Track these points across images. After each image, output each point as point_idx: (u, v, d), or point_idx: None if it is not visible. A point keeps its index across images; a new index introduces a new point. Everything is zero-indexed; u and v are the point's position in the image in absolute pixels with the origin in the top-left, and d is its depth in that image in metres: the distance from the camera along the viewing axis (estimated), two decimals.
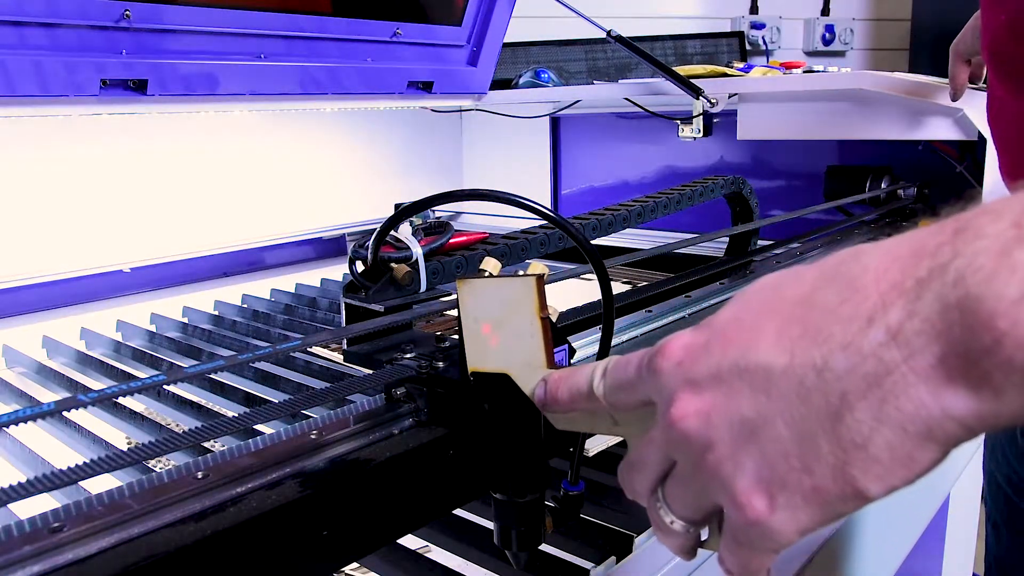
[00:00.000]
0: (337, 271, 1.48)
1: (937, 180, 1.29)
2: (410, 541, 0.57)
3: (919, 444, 0.26)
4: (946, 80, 1.07)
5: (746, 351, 0.29)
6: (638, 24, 2.37)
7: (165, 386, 0.62)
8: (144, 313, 1.21)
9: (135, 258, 1.26)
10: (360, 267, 0.64)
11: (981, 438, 0.86)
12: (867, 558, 0.99)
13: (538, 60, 2.16)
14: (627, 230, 0.84)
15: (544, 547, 0.54)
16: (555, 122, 1.74)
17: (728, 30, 2.66)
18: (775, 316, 0.29)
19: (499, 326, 0.40)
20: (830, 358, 0.27)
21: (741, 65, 1.44)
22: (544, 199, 1.76)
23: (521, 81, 1.66)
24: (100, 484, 0.42)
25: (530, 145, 1.76)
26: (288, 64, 1.16)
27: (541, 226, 0.76)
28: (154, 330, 1.16)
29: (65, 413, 0.45)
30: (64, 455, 0.74)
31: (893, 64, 2.76)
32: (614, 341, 0.49)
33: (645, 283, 0.88)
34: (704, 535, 0.35)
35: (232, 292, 1.33)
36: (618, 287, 1.10)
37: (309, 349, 0.91)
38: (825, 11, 2.80)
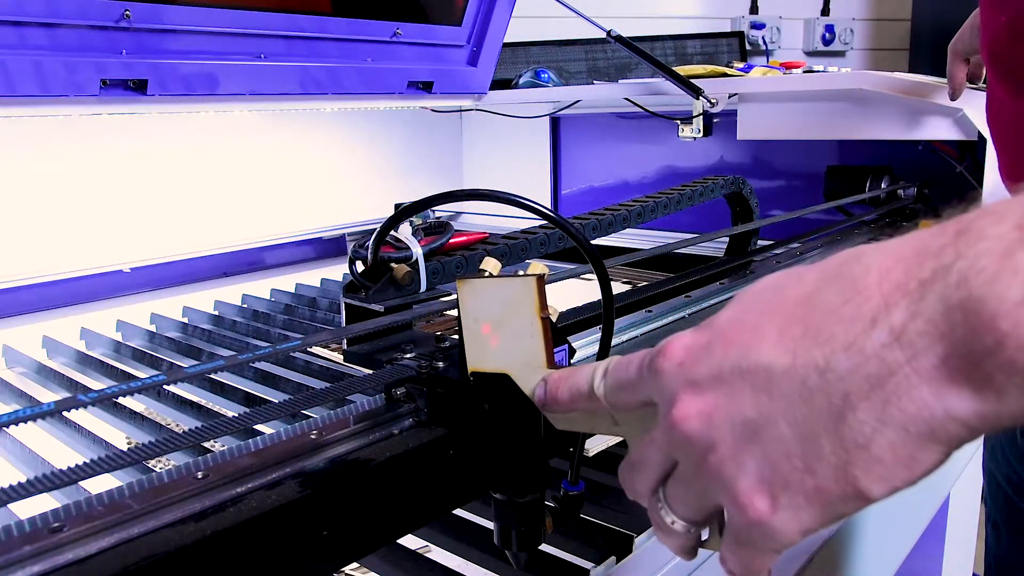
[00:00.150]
0: (337, 271, 1.48)
1: (937, 180, 1.29)
2: (410, 541, 0.57)
3: (921, 445, 0.26)
4: (946, 80, 1.07)
5: (748, 351, 0.29)
6: (638, 24, 2.37)
7: (165, 386, 0.62)
8: (144, 313, 1.21)
9: (135, 258, 1.26)
10: (360, 267, 0.64)
11: (981, 438, 0.86)
12: (867, 558, 0.99)
13: (538, 60, 2.16)
14: (627, 230, 0.84)
15: (544, 547, 0.54)
16: (555, 122, 1.74)
17: (728, 30, 2.66)
18: (777, 317, 0.29)
19: (499, 326, 0.40)
20: (832, 358, 0.27)
21: (741, 65, 1.44)
22: (544, 199, 1.76)
23: (521, 81, 1.66)
24: (100, 484, 0.42)
25: (530, 145, 1.76)
26: (288, 64, 1.16)
27: (541, 226, 0.76)
28: (154, 330, 1.16)
29: (65, 413, 0.45)
30: (64, 455, 0.74)
31: (893, 64, 2.76)
32: (614, 341, 0.49)
33: (645, 283, 0.88)
34: (704, 535, 0.35)
35: (232, 292, 1.33)
36: (618, 287, 1.10)
37: (309, 349, 0.91)
38: (825, 11, 2.80)
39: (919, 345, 0.25)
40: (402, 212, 0.60)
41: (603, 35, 1.32)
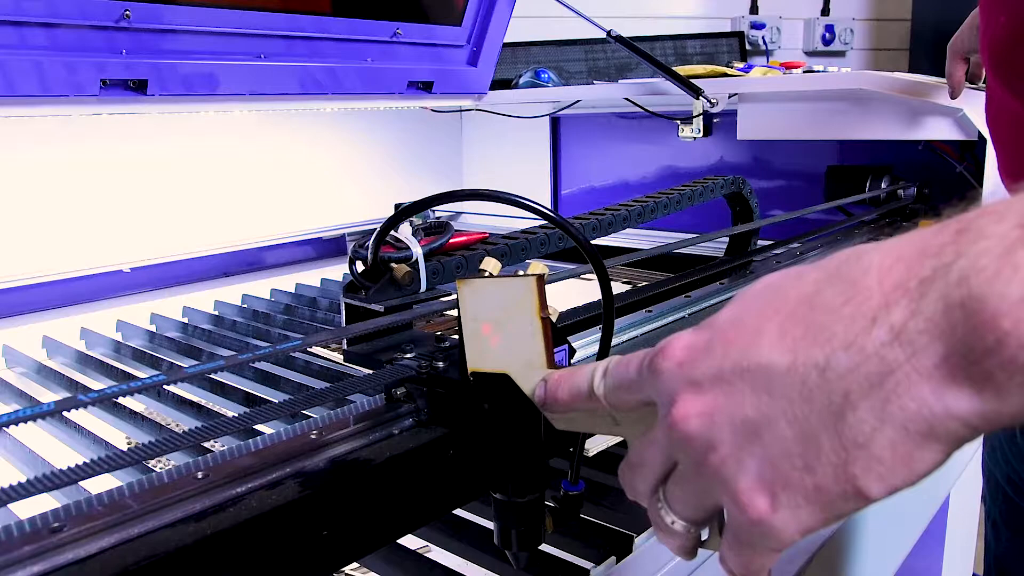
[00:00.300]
0: (337, 271, 1.48)
1: (937, 180, 1.29)
2: (410, 541, 0.57)
3: (921, 443, 0.26)
4: (946, 80, 1.07)
5: (748, 351, 0.29)
6: (638, 24, 2.37)
7: (165, 386, 0.62)
8: (144, 313, 1.21)
9: (135, 258, 1.26)
10: (360, 267, 0.64)
11: (980, 438, 0.86)
12: (867, 558, 0.99)
13: (538, 60, 2.16)
14: (627, 230, 0.84)
15: (544, 547, 0.54)
16: (555, 122, 1.74)
17: (728, 30, 2.66)
18: (777, 316, 0.29)
19: (499, 326, 0.40)
20: (832, 357, 0.27)
21: (741, 65, 1.44)
22: (544, 199, 1.76)
23: (521, 81, 1.66)
24: (100, 484, 0.42)
25: (530, 145, 1.76)
26: (288, 64, 1.16)
27: (541, 226, 0.76)
28: (154, 330, 1.16)
29: (65, 413, 0.45)
30: (64, 455, 0.74)
31: (893, 64, 2.76)
32: (614, 341, 0.49)
33: (645, 283, 0.88)
34: (704, 535, 0.35)
35: (232, 292, 1.33)
36: (618, 287, 1.10)
37: (309, 349, 0.91)
38: (825, 11, 2.80)
39: (919, 343, 0.25)
40: (402, 212, 0.60)
41: (603, 35, 1.32)
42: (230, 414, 0.68)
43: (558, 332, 0.42)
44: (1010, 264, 0.24)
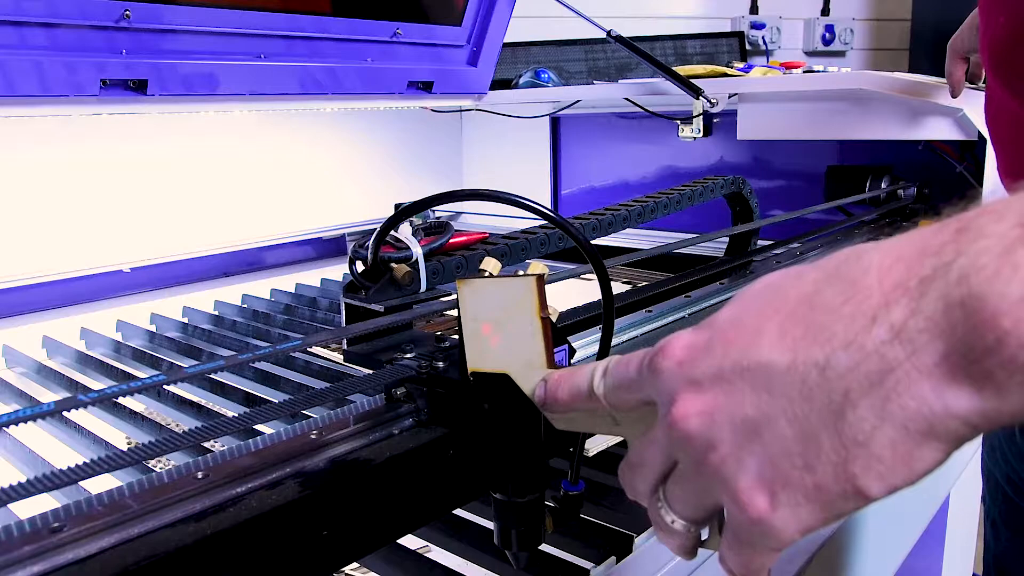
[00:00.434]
0: (337, 271, 1.48)
1: (937, 180, 1.29)
2: (410, 541, 0.57)
3: (921, 442, 0.26)
4: (945, 80, 1.07)
5: (748, 350, 0.29)
6: (638, 24, 2.37)
7: (165, 386, 0.62)
8: (144, 313, 1.21)
9: (135, 258, 1.26)
10: (360, 267, 0.64)
11: (980, 437, 0.87)
12: (867, 558, 0.99)
13: (538, 60, 2.16)
14: (627, 230, 0.84)
15: (544, 547, 0.54)
16: (555, 122, 1.74)
17: (728, 30, 2.66)
18: (777, 315, 0.29)
19: (499, 326, 0.40)
20: (832, 356, 0.27)
21: (741, 65, 1.44)
22: (544, 199, 1.76)
23: (521, 81, 1.66)
24: (100, 484, 0.42)
25: (530, 145, 1.76)
26: (288, 64, 1.16)
27: (541, 226, 0.76)
28: (154, 330, 1.16)
29: (65, 413, 0.45)
30: (64, 455, 0.74)
31: (893, 64, 2.76)
32: (614, 341, 0.49)
33: (645, 283, 0.88)
34: (704, 535, 0.35)
35: (232, 292, 1.33)
36: (618, 287, 1.10)
37: (309, 349, 0.91)
38: (825, 11, 2.80)
39: (919, 342, 0.26)
40: (402, 212, 0.60)
41: (603, 35, 1.32)
42: (230, 414, 0.68)
43: (558, 332, 0.42)
44: (1010, 263, 0.24)
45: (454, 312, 0.45)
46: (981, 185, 1.20)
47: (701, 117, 1.29)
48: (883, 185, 1.27)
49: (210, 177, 1.36)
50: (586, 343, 0.65)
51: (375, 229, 0.62)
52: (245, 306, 1.28)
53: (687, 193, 0.90)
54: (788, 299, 0.29)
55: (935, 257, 0.26)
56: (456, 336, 0.48)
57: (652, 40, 2.35)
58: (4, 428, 0.41)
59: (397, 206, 0.61)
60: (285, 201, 1.48)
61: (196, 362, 0.98)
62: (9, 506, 0.38)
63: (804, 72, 1.36)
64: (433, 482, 0.48)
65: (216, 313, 1.23)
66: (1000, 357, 0.24)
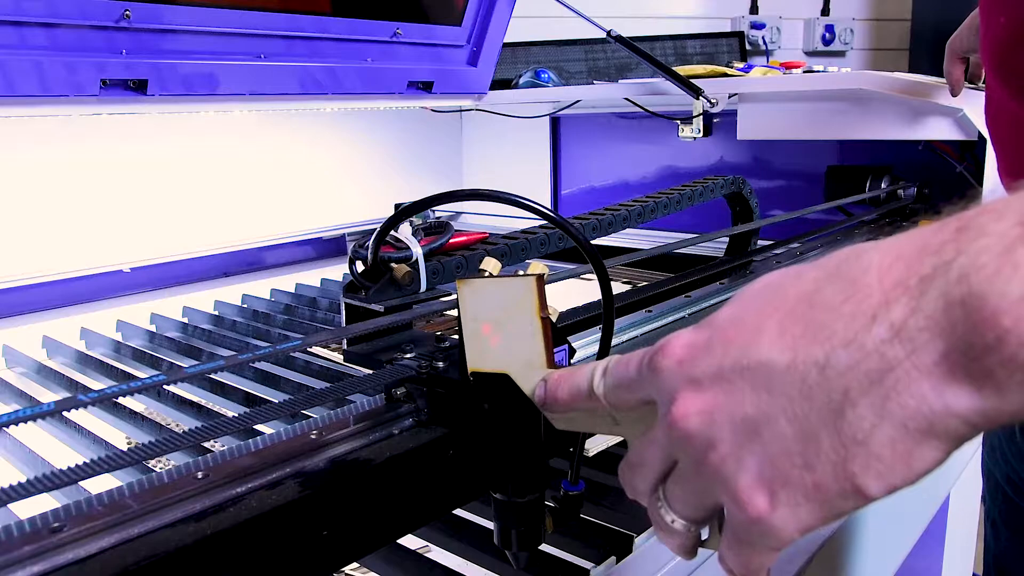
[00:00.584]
0: (337, 271, 1.48)
1: (937, 180, 1.29)
2: (410, 541, 0.57)
3: (921, 441, 0.26)
4: (945, 79, 1.07)
5: (748, 349, 0.29)
6: (638, 24, 2.37)
7: (165, 386, 0.62)
8: (144, 313, 1.21)
9: (135, 258, 1.26)
10: (360, 267, 0.64)
11: (980, 437, 0.87)
12: (867, 558, 0.99)
13: (538, 60, 2.16)
14: (627, 230, 0.84)
15: (544, 547, 0.54)
16: (555, 122, 1.74)
17: (728, 30, 2.66)
18: (776, 314, 0.29)
19: (499, 326, 0.40)
20: (832, 355, 0.27)
21: (741, 65, 1.44)
22: (544, 199, 1.76)
23: (521, 81, 1.66)
24: (100, 484, 0.42)
25: (530, 145, 1.76)
26: (288, 64, 1.16)
27: (541, 226, 0.76)
28: (154, 330, 1.16)
29: (65, 413, 0.45)
30: (64, 455, 0.74)
31: (893, 64, 2.76)
32: (614, 341, 0.49)
33: (645, 283, 0.88)
34: (704, 534, 0.35)
35: (232, 292, 1.33)
36: (618, 287, 1.10)
37: (309, 349, 0.91)
38: (825, 11, 2.80)
39: (919, 341, 0.26)
40: (402, 212, 0.60)
41: (603, 35, 1.32)
42: (230, 414, 0.68)
43: (558, 332, 0.42)
44: (1010, 262, 0.24)
45: (454, 312, 0.45)
46: (981, 185, 1.20)
47: (701, 117, 1.29)
48: (883, 185, 1.27)
49: (210, 177, 1.36)
50: (586, 343, 0.65)
51: (375, 229, 0.62)
52: (245, 306, 1.28)
53: (687, 193, 0.90)
54: (788, 298, 0.29)
55: (935, 256, 0.26)
56: (456, 336, 0.48)
57: (652, 40, 2.35)
58: (4, 428, 0.41)
59: (397, 206, 0.61)
60: (285, 201, 1.48)
61: (196, 362, 0.98)
62: (9, 506, 0.38)
63: (804, 72, 1.36)
64: (433, 482, 0.48)
65: (216, 313, 1.23)
66: (1000, 356, 0.24)
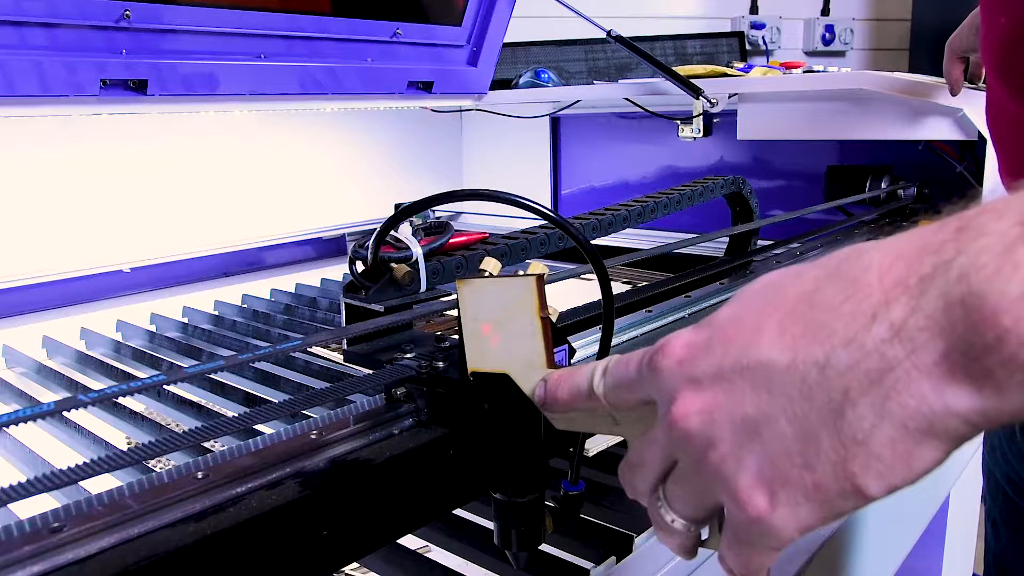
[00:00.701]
0: (337, 271, 1.48)
1: (937, 180, 1.29)
2: (410, 541, 0.57)
3: (920, 441, 0.26)
4: (944, 79, 1.07)
5: (748, 349, 0.29)
6: (638, 24, 2.37)
7: (165, 386, 0.62)
8: (144, 313, 1.21)
9: (135, 258, 1.26)
10: (360, 267, 0.64)
11: (980, 437, 0.87)
12: (867, 558, 0.99)
13: (538, 60, 2.16)
14: (627, 230, 0.84)
15: (544, 547, 0.54)
16: (555, 122, 1.74)
17: (728, 30, 2.66)
18: (776, 314, 0.29)
19: (499, 326, 0.40)
20: (832, 355, 0.27)
21: (741, 65, 1.44)
22: (544, 199, 1.76)
23: (521, 81, 1.66)
24: (100, 484, 0.42)
25: (530, 145, 1.76)
26: (288, 64, 1.16)
27: (541, 226, 0.76)
28: (154, 330, 1.16)
29: (65, 413, 0.45)
30: (64, 455, 0.74)
31: (893, 64, 2.76)
32: (614, 341, 0.49)
33: (645, 283, 0.88)
34: (704, 534, 0.35)
35: (232, 292, 1.33)
36: (618, 287, 1.10)
37: (309, 349, 0.91)
38: (825, 11, 2.80)
39: (919, 340, 0.26)
40: (402, 212, 0.60)
41: (603, 35, 1.32)
42: (230, 414, 0.68)
43: (558, 332, 0.42)
44: (1010, 261, 0.24)
45: (454, 312, 0.45)
46: (981, 185, 1.20)
47: (701, 117, 1.29)
48: (883, 185, 1.27)
49: (210, 177, 1.36)
50: (586, 343, 0.65)
51: (375, 229, 0.62)
52: (245, 306, 1.28)
53: (687, 193, 0.90)
54: (788, 297, 0.29)
55: (935, 255, 0.26)
56: (456, 336, 0.48)
57: (652, 40, 2.35)
58: (4, 428, 0.41)
59: (397, 206, 0.61)
60: (285, 201, 1.48)
61: (196, 362, 0.98)
62: (9, 506, 0.38)
63: (804, 72, 1.36)
64: (433, 482, 0.48)
65: (216, 313, 1.23)
66: (1000, 355, 0.24)
